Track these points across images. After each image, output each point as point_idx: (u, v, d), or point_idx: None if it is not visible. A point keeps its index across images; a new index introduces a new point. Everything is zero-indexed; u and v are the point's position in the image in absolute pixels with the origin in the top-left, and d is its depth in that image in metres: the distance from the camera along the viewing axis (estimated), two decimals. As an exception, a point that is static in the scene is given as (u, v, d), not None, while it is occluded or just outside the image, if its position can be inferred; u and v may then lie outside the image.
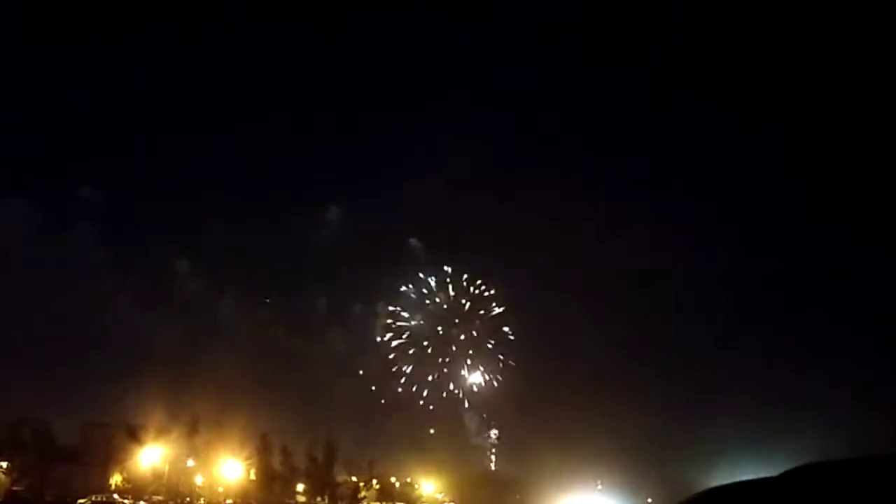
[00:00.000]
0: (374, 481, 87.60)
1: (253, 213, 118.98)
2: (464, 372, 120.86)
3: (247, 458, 76.57)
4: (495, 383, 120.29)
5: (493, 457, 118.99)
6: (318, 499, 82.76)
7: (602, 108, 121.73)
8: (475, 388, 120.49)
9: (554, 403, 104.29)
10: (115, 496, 67.18)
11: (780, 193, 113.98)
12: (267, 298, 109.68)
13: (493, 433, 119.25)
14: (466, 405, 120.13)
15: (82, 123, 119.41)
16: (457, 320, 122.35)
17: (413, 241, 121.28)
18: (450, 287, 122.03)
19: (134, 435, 69.88)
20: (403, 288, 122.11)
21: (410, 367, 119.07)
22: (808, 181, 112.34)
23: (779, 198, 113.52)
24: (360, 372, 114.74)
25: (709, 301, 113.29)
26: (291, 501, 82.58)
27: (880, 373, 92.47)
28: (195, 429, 72.18)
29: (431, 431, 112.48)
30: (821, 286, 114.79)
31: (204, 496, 74.47)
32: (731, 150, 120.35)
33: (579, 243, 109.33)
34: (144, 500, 67.20)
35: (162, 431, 70.32)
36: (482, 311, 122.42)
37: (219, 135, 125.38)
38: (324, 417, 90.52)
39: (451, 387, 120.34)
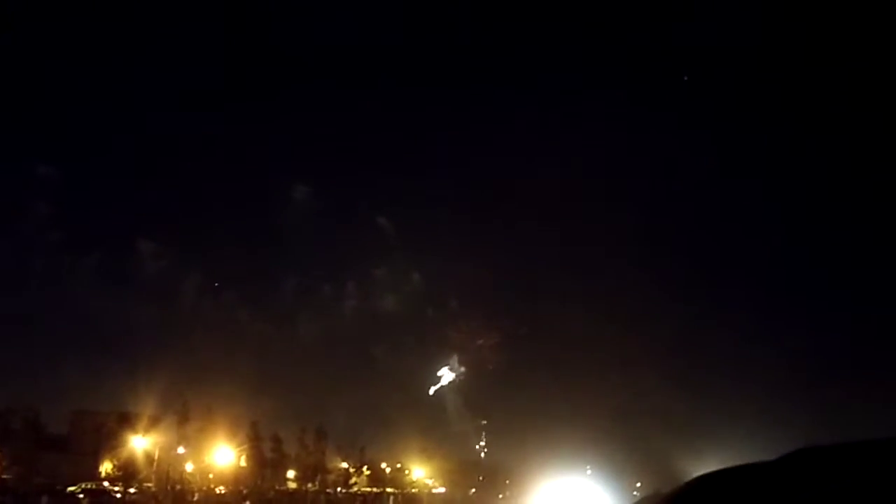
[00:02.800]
0: (365, 467, 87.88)
1: (219, 192, 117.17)
2: (446, 363, 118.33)
3: (238, 446, 76.54)
4: (478, 369, 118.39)
5: (482, 443, 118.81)
6: (309, 485, 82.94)
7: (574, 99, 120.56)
8: (457, 374, 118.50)
9: (541, 389, 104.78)
10: (106, 484, 67.06)
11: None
12: (216, 283, 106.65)
13: (483, 423, 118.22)
14: (450, 390, 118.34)
15: (39, 99, 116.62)
16: (431, 303, 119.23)
17: (382, 220, 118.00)
18: (422, 269, 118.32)
19: (124, 423, 69.62)
20: (374, 269, 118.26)
21: (386, 352, 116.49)
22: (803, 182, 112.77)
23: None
24: (336, 357, 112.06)
25: (702, 286, 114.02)
26: (282, 488, 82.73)
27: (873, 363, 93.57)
28: (185, 416, 72.00)
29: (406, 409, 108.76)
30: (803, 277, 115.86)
31: (194, 483, 74.38)
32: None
33: (556, 223, 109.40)
34: (135, 488, 67.06)
35: (152, 419, 70.10)
36: (457, 294, 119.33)
37: (183, 112, 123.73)
38: (313, 404, 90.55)
39: (433, 372, 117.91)
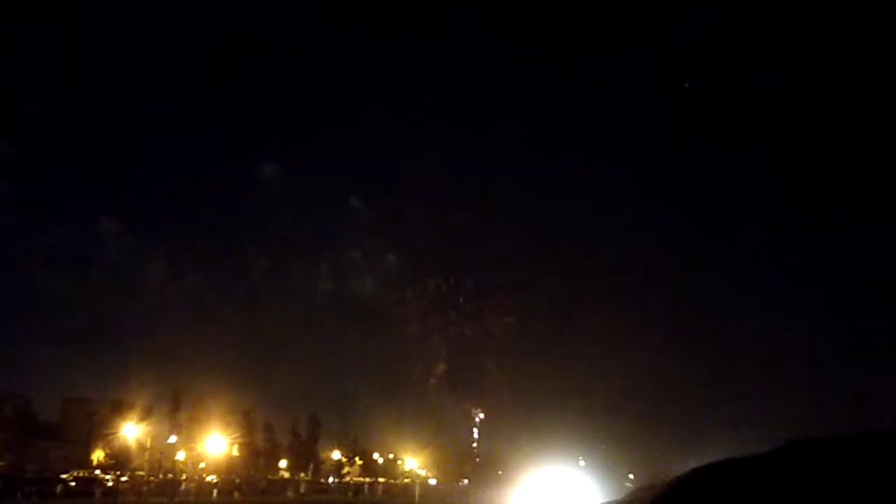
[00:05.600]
0: (358, 457, 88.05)
1: (185, 170, 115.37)
2: (436, 352, 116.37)
3: (230, 435, 76.52)
4: (468, 358, 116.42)
5: (475, 434, 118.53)
6: (302, 474, 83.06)
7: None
8: (443, 362, 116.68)
9: (534, 381, 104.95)
10: (98, 472, 66.95)
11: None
12: (210, 273, 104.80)
13: (479, 415, 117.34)
14: (439, 380, 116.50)
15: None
16: (409, 287, 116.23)
17: (355, 200, 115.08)
18: (399, 251, 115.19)
19: (116, 411, 69.45)
20: (347, 251, 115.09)
21: (363, 338, 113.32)
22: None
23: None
24: (327, 347, 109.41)
25: (698, 279, 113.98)
26: (274, 477, 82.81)
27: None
28: (177, 405, 71.91)
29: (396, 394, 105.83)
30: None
31: (186, 472, 74.36)
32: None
33: (538, 199, 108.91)
34: (127, 477, 66.93)
35: (144, 408, 69.94)
36: (438, 278, 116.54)
37: (146, 87, 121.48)
38: (306, 393, 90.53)
39: (419, 359, 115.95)
